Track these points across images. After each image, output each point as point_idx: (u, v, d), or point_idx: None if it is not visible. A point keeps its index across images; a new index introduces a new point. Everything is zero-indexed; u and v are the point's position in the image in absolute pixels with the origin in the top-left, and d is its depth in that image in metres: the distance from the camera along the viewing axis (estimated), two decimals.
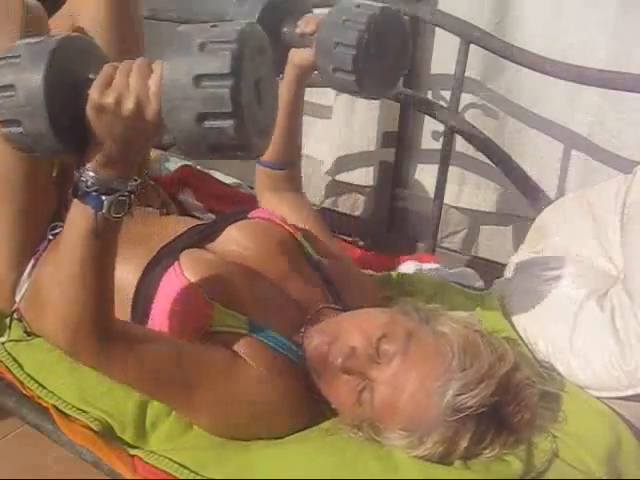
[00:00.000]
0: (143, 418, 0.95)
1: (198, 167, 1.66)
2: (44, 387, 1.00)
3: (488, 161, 1.49)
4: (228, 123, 0.65)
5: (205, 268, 0.94)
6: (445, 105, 1.55)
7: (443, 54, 1.64)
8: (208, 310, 0.91)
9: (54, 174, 1.15)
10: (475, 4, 1.55)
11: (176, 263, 0.95)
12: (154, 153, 1.62)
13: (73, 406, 0.96)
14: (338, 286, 1.05)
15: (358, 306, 0.99)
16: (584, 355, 1.00)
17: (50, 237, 1.08)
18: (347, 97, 1.71)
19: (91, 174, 0.75)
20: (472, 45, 1.44)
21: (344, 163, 1.86)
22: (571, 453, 0.88)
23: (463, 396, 0.81)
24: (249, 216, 1.10)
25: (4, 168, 1.05)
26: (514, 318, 1.10)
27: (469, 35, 1.44)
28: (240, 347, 0.90)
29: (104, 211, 0.75)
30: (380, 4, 1.02)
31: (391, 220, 1.85)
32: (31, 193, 1.08)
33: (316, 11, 1.16)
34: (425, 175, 1.79)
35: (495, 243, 1.76)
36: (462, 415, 0.81)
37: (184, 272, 0.93)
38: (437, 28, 1.57)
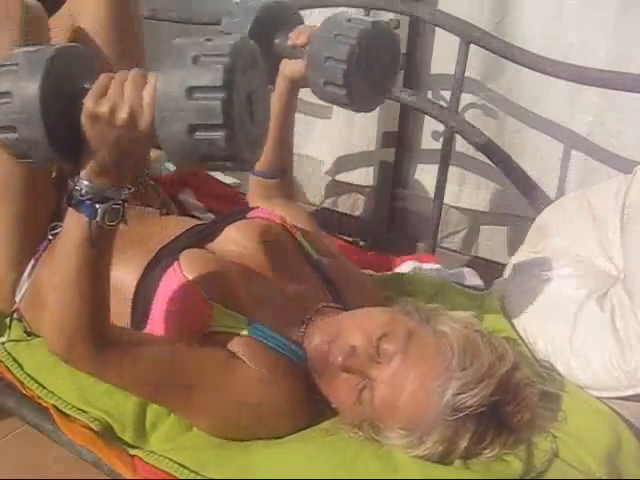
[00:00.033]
0: (143, 418, 0.95)
1: None
2: (44, 387, 1.00)
3: (488, 161, 1.49)
4: (219, 134, 0.66)
5: (205, 268, 0.94)
6: (445, 105, 1.55)
7: (443, 54, 1.64)
8: (208, 310, 0.91)
9: (53, 175, 1.15)
10: (475, 4, 1.55)
11: (176, 263, 0.95)
12: (154, 153, 1.61)
13: (73, 406, 0.96)
14: (338, 285, 1.05)
15: (358, 305, 0.99)
16: (584, 355, 1.00)
17: (50, 237, 1.08)
18: None
19: (85, 183, 0.76)
20: (472, 45, 1.45)
21: (344, 163, 1.87)
22: (571, 453, 0.88)
23: (463, 395, 0.81)
24: (248, 216, 1.10)
25: (3, 174, 1.06)
26: (514, 318, 1.10)
27: (469, 35, 1.44)
28: (240, 347, 0.90)
29: (98, 219, 0.76)
30: (372, 18, 1.03)
31: (391, 220, 1.85)
32: (30, 198, 1.08)
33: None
34: (425, 175, 1.79)
35: (495, 243, 1.76)
36: (462, 414, 0.81)
37: (184, 272, 0.93)
38: (437, 28, 1.57)
